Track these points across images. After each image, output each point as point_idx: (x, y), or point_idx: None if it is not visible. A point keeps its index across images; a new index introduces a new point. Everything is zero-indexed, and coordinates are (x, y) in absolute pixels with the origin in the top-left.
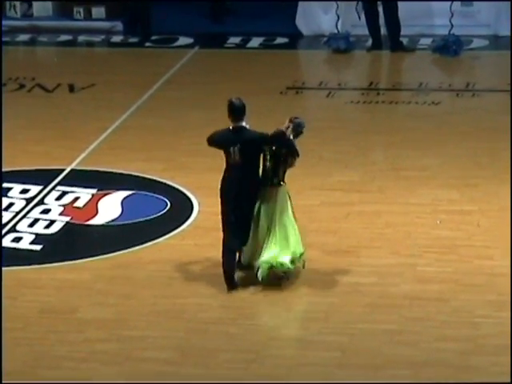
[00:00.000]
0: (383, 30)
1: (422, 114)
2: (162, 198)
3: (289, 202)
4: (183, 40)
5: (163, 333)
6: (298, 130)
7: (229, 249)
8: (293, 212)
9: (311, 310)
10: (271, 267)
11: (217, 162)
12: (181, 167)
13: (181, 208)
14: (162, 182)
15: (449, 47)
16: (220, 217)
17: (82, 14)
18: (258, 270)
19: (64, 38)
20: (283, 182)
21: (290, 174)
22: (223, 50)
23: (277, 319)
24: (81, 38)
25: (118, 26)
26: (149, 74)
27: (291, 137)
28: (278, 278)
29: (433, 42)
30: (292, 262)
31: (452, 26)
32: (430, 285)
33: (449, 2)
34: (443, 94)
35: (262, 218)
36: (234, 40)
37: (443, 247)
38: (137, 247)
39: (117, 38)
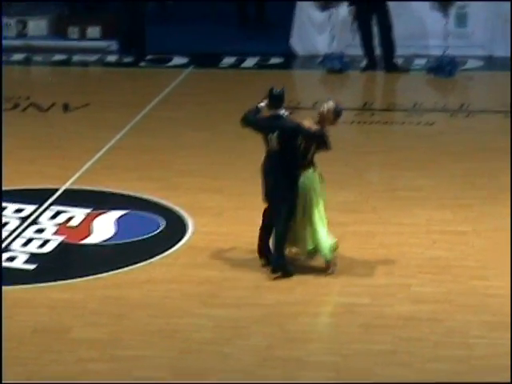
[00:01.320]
0: (378, 51)
1: (417, 135)
2: (156, 217)
3: (317, 189)
4: (178, 60)
5: (157, 353)
6: (338, 112)
7: (265, 225)
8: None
9: (305, 330)
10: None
11: (210, 182)
12: (175, 187)
13: (175, 228)
14: (156, 202)
15: (443, 68)
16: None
17: (77, 34)
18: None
19: (59, 57)
20: (313, 165)
21: None
22: (218, 69)
23: (271, 339)
24: (75, 58)
25: (113, 45)
26: (143, 93)
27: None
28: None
29: (427, 62)
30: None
31: (446, 46)
32: (424, 305)
33: (443, 23)
34: (438, 114)
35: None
36: (229, 60)
37: (437, 268)
38: (131, 267)
39: (111, 58)
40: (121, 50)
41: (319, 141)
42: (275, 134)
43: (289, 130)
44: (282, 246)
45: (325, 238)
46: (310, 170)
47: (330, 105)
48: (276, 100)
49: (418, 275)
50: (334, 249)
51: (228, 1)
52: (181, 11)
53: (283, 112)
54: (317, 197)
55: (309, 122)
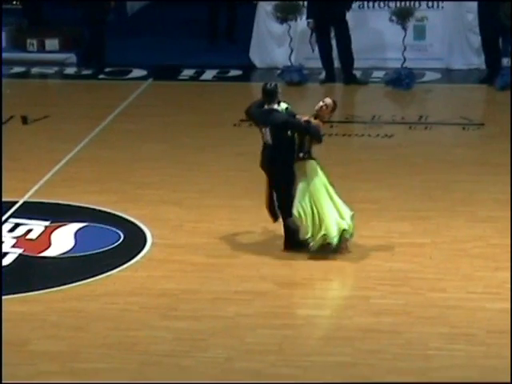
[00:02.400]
0: (336, 63)
1: (375, 147)
2: (115, 230)
3: (318, 177)
4: (137, 72)
5: (116, 365)
6: (334, 107)
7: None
8: (327, 184)
9: (265, 342)
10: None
11: (170, 194)
12: (134, 199)
13: (134, 240)
14: (115, 214)
15: (401, 80)
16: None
17: (36, 46)
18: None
19: (17, 69)
20: (310, 156)
21: (244, 206)
22: (177, 82)
23: (230, 351)
24: (34, 70)
25: (72, 57)
26: (102, 106)
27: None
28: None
29: (386, 74)
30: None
31: (405, 59)
32: (383, 317)
33: (402, 35)
34: (396, 126)
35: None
36: (188, 72)
37: (396, 280)
38: (90, 279)
39: (70, 70)
40: (80, 62)
41: (309, 134)
42: (268, 128)
43: (279, 124)
44: (287, 213)
45: (332, 223)
46: (311, 161)
47: (327, 101)
48: (268, 95)
49: (377, 287)
50: (347, 234)
51: (186, 13)
52: (139, 24)
53: (277, 106)
54: (323, 184)
55: (306, 117)
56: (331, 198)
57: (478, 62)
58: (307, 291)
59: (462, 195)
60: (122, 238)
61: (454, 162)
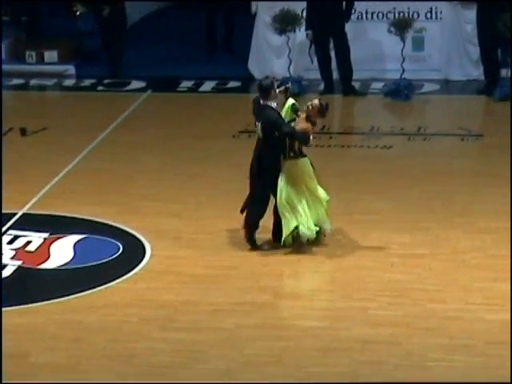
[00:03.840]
0: (335, 74)
1: (374, 158)
2: (114, 241)
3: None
4: (135, 83)
5: (114, 377)
6: (323, 109)
7: (250, 218)
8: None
9: (264, 353)
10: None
11: (168, 206)
12: (133, 211)
13: (133, 252)
14: (114, 226)
15: (400, 91)
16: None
17: (35, 58)
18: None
19: (16, 81)
20: (301, 155)
21: (243, 217)
22: (176, 93)
23: (229, 363)
24: (33, 82)
25: (71, 69)
26: (101, 117)
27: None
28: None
29: (384, 86)
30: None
31: (403, 70)
32: (382, 328)
33: (400, 47)
34: (395, 137)
35: (289, 191)
36: (187, 84)
37: (395, 291)
38: (89, 291)
39: (69, 82)
40: (78, 73)
41: (294, 139)
42: (259, 123)
43: (269, 122)
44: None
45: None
46: (302, 160)
47: (314, 102)
48: (263, 91)
49: (376, 298)
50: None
51: (185, 25)
52: (137, 35)
53: (271, 103)
54: (309, 182)
55: (298, 120)
56: (308, 198)
57: (477, 73)
58: (306, 302)
59: (460, 206)
60: (121, 250)
61: (453, 173)
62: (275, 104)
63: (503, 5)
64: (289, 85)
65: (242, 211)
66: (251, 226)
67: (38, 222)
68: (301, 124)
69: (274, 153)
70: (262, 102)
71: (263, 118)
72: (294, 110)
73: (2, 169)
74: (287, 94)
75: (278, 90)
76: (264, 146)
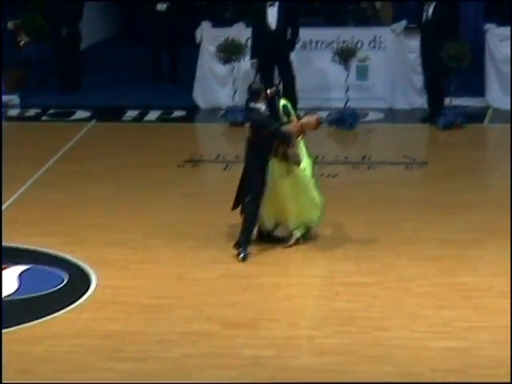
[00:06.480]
0: None
1: (320, 186)
2: (59, 272)
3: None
4: (80, 113)
5: None
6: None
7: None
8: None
9: (211, 383)
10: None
11: (115, 235)
12: (79, 241)
13: (78, 282)
14: (60, 256)
15: (345, 120)
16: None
17: None
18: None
19: None
20: (286, 158)
21: (189, 247)
22: (121, 123)
23: None
24: None
25: (15, 99)
26: (46, 147)
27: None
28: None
29: (329, 115)
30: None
31: (348, 99)
32: (329, 357)
33: (345, 75)
34: (340, 166)
35: (277, 188)
36: (132, 113)
37: (341, 319)
38: (34, 322)
39: (13, 112)
40: (23, 103)
41: (278, 137)
42: (249, 125)
43: (256, 122)
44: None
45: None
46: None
47: (310, 120)
48: (252, 94)
49: (322, 327)
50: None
51: (130, 54)
52: (85, 63)
53: (259, 106)
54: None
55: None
56: (296, 196)
57: (421, 101)
58: (252, 331)
59: (405, 234)
60: (66, 280)
61: (398, 201)
62: (264, 106)
63: (446, 34)
64: (280, 86)
65: (233, 208)
66: (250, 225)
67: None
68: (291, 127)
69: (263, 153)
70: (250, 104)
71: (251, 119)
72: (285, 111)
73: None
74: (278, 95)
75: (269, 91)
76: (254, 145)
